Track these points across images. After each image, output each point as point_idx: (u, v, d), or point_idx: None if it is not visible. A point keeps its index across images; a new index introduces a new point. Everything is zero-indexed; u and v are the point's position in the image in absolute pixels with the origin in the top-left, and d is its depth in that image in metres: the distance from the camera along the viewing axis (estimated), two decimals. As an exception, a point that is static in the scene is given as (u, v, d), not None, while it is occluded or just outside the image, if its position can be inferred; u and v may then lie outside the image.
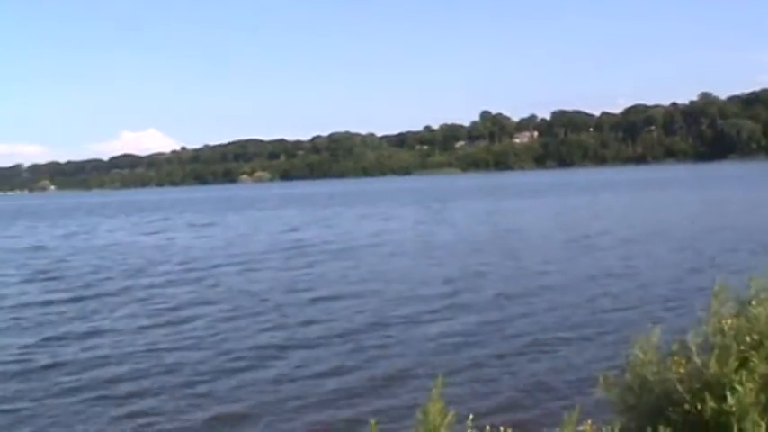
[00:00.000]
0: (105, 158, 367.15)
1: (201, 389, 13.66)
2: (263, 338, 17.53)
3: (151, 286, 27.16)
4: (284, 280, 27.23)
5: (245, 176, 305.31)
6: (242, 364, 15.39)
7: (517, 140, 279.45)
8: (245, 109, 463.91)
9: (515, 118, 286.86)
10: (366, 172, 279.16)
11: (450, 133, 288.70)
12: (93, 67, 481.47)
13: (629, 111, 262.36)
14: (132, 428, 11.89)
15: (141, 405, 12.97)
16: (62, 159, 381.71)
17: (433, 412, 3.85)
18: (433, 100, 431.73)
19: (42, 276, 31.72)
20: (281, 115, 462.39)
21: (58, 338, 18.58)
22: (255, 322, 19.56)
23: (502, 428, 4.44)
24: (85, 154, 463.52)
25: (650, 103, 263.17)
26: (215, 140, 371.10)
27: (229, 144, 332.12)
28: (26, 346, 17.85)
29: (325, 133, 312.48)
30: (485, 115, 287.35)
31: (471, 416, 4.26)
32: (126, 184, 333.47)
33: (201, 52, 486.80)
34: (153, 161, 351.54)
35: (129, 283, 28.33)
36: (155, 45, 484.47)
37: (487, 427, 4.44)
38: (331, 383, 13.57)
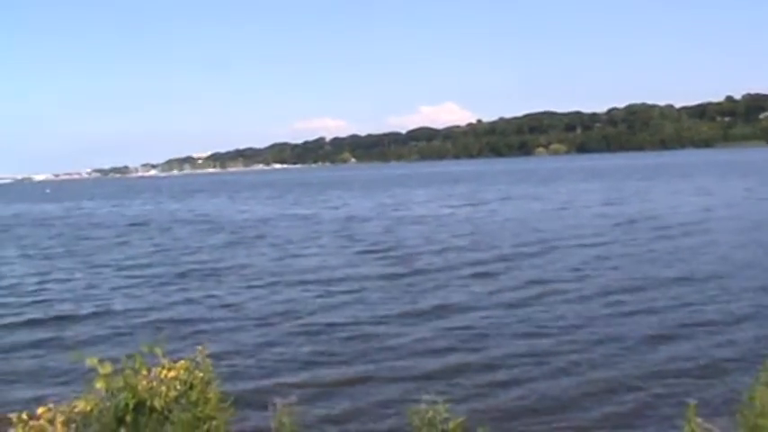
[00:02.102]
0: (403, 131, 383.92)
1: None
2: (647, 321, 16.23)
3: (504, 260, 26.27)
4: (639, 257, 25.61)
5: (540, 149, 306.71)
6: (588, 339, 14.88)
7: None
8: (538, 81, 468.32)
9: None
10: (664, 145, 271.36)
11: (754, 103, 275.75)
12: (393, 45, 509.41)
13: None
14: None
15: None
16: (362, 133, 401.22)
17: (761, 398, 3.96)
18: (735, 68, 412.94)
19: (379, 247, 31.80)
20: (577, 87, 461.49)
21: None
22: (609, 303, 18.19)
23: None
24: (383, 127, 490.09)
25: None
26: (510, 113, 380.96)
27: (524, 116, 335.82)
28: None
29: (621, 105, 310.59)
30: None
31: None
32: (423, 156, 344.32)
33: (494, 27, 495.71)
34: (449, 134, 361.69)
35: (473, 258, 27.40)
36: (447, 23, 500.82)
37: None
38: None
